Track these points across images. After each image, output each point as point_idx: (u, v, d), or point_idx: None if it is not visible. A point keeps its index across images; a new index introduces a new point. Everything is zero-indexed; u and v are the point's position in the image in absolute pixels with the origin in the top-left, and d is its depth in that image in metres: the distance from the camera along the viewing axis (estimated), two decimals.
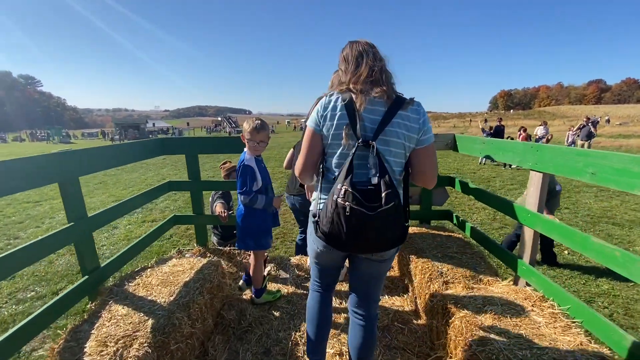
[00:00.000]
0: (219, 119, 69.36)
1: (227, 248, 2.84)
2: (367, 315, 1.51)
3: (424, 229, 2.73)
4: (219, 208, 2.87)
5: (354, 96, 1.28)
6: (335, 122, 1.28)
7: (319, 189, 1.38)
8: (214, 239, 3.40)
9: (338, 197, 1.18)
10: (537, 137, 13.39)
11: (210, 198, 3.30)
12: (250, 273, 2.28)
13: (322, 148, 1.36)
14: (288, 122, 66.78)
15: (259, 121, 2.05)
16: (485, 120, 14.04)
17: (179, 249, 2.83)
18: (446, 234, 2.61)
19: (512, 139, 12.25)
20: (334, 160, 1.32)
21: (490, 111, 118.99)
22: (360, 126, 1.25)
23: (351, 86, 1.31)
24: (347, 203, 1.15)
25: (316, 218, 1.32)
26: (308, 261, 2.74)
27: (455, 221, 2.81)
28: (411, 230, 2.69)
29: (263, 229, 2.18)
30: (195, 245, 2.84)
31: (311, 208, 1.46)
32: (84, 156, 1.90)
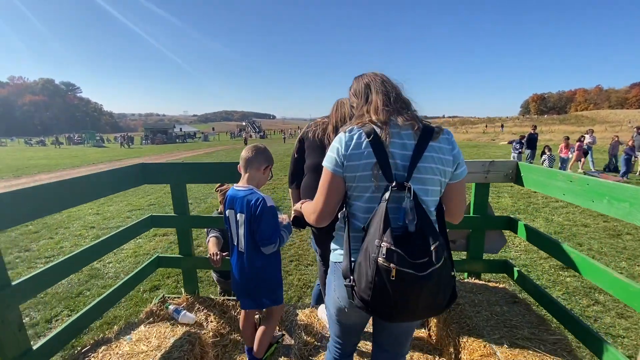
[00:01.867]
0: (244, 123, 70.38)
1: (221, 298, 2.30)
2: None
3: (472, 285, 2.06)
4: (211, 246, 2.35)
5: (378, 130, 1.11)
6: (361, 162, 1.10)
7: (345, 240, 1.16)
8: (213, 275, 2.89)
9: (378, 257, 0.99)
10: (585, 145, 12.05)
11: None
12: (258, 336, 1.82)
13: (344, 191, 1.19)
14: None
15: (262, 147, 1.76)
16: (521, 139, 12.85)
17: (163, 296, 2.32)
18: (507, 299, 1.91)
19: (549, 148, 11.10)
20: (362, 205, 1.14)
21: (523, 116, 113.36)
22: (391, 165, 1.08)
23: (373, 117, 1.14)
24: (392, 265, 0.97)
25: (350, 282, 1.09)
26: (319, 314, 2.15)
27: (516, 277, 2.12)
28: (459, 294, 2.01)
29: (280, 277, 1.81)
30: (183, 292, 2.33)
31: (335, 260, 1.25)
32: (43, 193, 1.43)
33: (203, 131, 67.86)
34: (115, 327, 1.81)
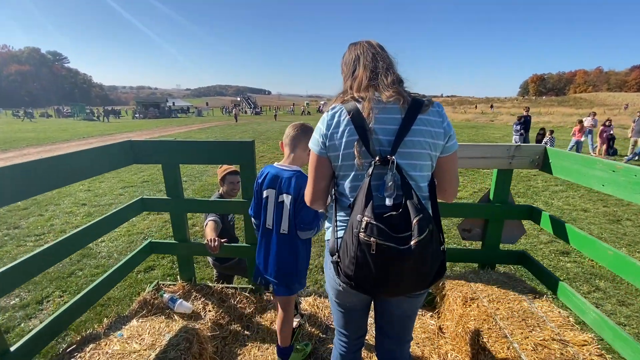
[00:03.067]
0: (238, 99, 68.67)
1: (219, 286, 2.16)
2: (401, 358, 1.36)
3: (488, 277, 1.94)
4: (208, 231, 2.18)
5: (359, 105, 1.08)
6: (343, 140, 1.09)
7: (333, 218, 1.17)
8: (209, 258, 2.74)
9: (360, 232, 0.97)
10: (586, 129, 11.87)
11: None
12: (279, 328, 1.76)
13: (332, 172, 1.18)
14: (307, 103, 65.29)
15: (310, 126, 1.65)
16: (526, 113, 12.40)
17: (157, 283, 2.18)
18: (527, 293, 1.79)
19: (550, 131, 10.93)
20: (347, 184, 1.13)
21: (522, 97, 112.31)
22: (373, 140, 1.06)
23: (355, 94, 1.11)
24: (372, 239, 0.94)
25: (335, 257, 1.08)
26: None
27: (534, 269, 2.01)
28: (474, 287, 1.89)
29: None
30: (179, 279, 2.19)
31: (328, 237, 1.24)
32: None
33: (196, 106, 66.24)
34: (105, 321, 1.67)
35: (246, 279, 3.60)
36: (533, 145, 1.84)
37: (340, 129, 1.08)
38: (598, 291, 3.88)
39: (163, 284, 2.16)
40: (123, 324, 1.59)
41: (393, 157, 1.02)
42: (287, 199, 1.60)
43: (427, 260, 0.99)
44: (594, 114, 12.69)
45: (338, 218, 1.16)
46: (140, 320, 1.60)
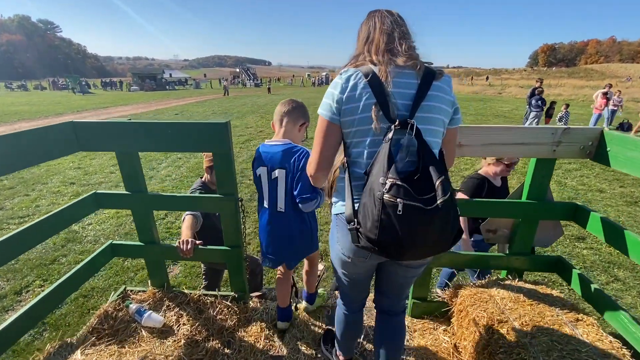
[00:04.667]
0: (237, 70, 66.38)
1: (197, 293, 1.84)
2: (396, 311, 1.42)
3: (516, 291, 1.60)
4: (184, 229, 1.84)
5: (375, 69, 1.04)
6: (360, 103, 1.04)
7: (347, 188, 1.12)
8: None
9: (384, 193, 0.93)
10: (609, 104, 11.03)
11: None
12: (305, 277, 1.95)
13: (340, 140, 1.15)
14: (308, 75, 63.07)
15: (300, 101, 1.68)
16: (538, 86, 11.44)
17: (124, 289, 1.86)
18: (567, 313, 1.44)
19: (563, 105, 10.30)
20: (365, 151, 1.08)
21: (531, 68, 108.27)
22: (391, 104, 1.02)
23: (372, 57, 1.08)
24: (398, 200, 0.92)
25: (354, 224, 1.05)
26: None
27: (574, 280, 1.65)
28: (501, 304, 1.55)
29: (316, 226, 1.76)
30: (149, 285, 1.87)
31: (337, 212, 1.21)
32: None
33: (194, 78, 64.32)
34: (49, 347, 1.36)
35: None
36: (585, 129, 1.43)
37: (357, 92, 1.05)
38: (617, 281, 3.59)
39: (131, 291, 1.85)
40: (68, 352, 1.28)
41: (413, 120, 1.00)
42: (280, 173, 1.54)
43: (449, 220, 0.98)
44: (610, 85, 11.88)
45: (353, 185, 1.11)
46: (86, 353, 1.29)
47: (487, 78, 50.73)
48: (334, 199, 1.27)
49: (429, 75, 1.05)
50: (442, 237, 0.99)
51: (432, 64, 1.10)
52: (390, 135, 0.99)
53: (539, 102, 10.65)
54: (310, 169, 1.19)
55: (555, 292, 1.56)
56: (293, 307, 1.95)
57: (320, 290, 2.06)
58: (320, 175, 1.18)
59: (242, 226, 1.69)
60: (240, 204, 1.63)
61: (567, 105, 9.96)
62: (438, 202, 0.93)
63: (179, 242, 1.71)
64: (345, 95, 1.06)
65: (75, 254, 4.20)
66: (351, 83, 1.06)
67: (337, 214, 1.21)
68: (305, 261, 1.89)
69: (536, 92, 11.11)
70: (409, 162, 1.01)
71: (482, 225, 1.74)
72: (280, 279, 1.82)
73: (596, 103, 10.42)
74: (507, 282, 1.67)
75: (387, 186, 0.94)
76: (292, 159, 1.51)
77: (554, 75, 57.82)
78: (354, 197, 1.10)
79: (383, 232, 0.95)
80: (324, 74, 59.55)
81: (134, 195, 1.60)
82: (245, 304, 1.83)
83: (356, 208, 1.06)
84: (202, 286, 2.51)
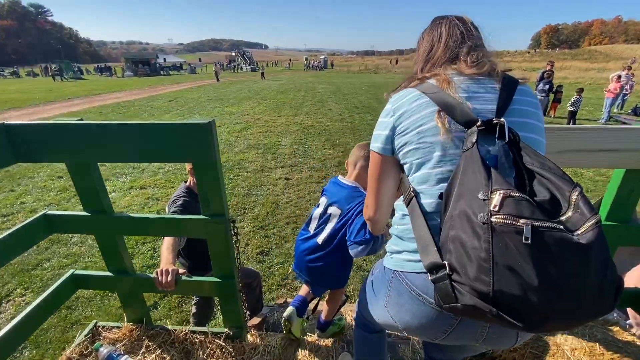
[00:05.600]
0: (233, 54, 64.69)
1: (183, 329, 1.51)
2: None
3: (581, 331, 1.26)
4: (164, 252, 1.49)
5: (435, 81, 0.82)
6: (418, 115, 0.80)
7: (416, 226, 0.80)
8: (181, 260, 2.10)
9: (492, 214, 0.60)
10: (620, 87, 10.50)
11: (167, 206, 1.93)
12: (325, 304, 1.85)
13: (399, 176, 0.93)
14: (306, 58, 61.56)
15: None
16: (547, 70, 10.67)
17: (95, 325, 1.52)
18: None
19: (575, 90, 9.83)
20: (432, 172, 0.79)
21: (534, 50, 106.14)
22: (464, 107, 0.75)
23: (427, 74, 0.86)
24: (521, 221, 0.58)
25: (444, 271, 0.68)
26: None
27: None
28: (562, 341, 1.20)
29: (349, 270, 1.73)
30: (125, 321, 1.53)
31: (396, 266, 0.88)
32: None
33: (190, 62, 62.76)
34: None
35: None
36: None
37: (412, 106, 0.82)
38: None
39: (103, 327, 1.51)
40: None
41: (502, 120, 0.72)
42: (335, 211, 1.52)
43: (609, 258, 0.61)
44: (629, 67, 11.33)
45: (429, 224, 0.79)
46: None
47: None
48: (389, 248, 0.96)
49: (511, 79, 0.82)
50: (602, 288, 0.60)
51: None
52: (474, 137, 0.71)
53: (546, 86, 10.13)
54: (368, 211, 0.99)
55: (628, 336, 1.23)
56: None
57: (336, 319, 1.89)
58: (378, 218, 0.98)
59: (236, 252, 1.34)
60: (232, 226, 1.27)
61: (581, 90, 9.47)
62: (588, 225, 0.58)
63: (156, 273, 1.36)
64: (396, 115, 0.85)
65: (59, 257, 3.87)
66: (400, 102, 0.85)
67: (396, 271, 0.87)
68: (329, 290, 1.82)
69: (545, 75, 10.60)
70: (509, 180, 0.68)
71: None
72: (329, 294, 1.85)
73: (610, 86, 9.94)
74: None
75: (496, 202, 0.61)
76: (351, 204, 1.46)
77: (557, 57, 56.48)
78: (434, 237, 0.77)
79: (500, 279, 0.60)
80: (322, 57, 58.06)
81: (95, 218, 1.23)
82: (241, 342, 1.50)
83: (440, 248, 0.72)
84: (191, 313, 2.19)
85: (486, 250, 0.60)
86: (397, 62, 56.39)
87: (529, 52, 75.98)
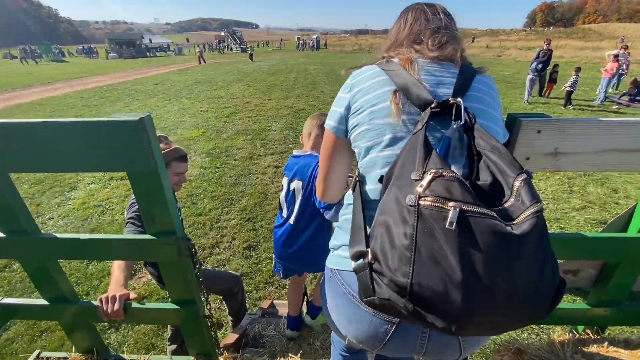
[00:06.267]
0: (222, 33, 62.38)
1: (142, 359, 1.28)
2: None
3: (609, 356, 1.08)
4: (115, 273, 1.26)
5: (397, 60, 0.78)
6: (373, 94, 0.76)
7: (354, 215, 0.75)
8: (149, 268, 1.87)
9: (420, 196, 0.55)
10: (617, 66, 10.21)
11: (126, 210, 1.68)
12: (314, 287, 1.92)
13: (351, 156, 0.88)
14: (298, 37, 59.61)
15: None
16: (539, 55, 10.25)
17: (37, 356, 1.30)
18: None
19: (574, 69, 9.57)
20: (380, 156, 0.75)
21: (529, 28, 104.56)
22: (421, 88, 0.70)
23: (386, 53, 0.84)
24: (450, 204, 0.53)
25: (367, 258, 0.62)
26: None
27: None
28: None
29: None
30: (73, 350, 1.30)
31: (334, 264, 0.84)
32: None
33: (177, 43, 60.45)
34: None
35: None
36: None
37: (368, 84, 0.78)
38: None
39: (46, 358, 1.28)
40: None
41: (459, 100, 0.66)
42: (297, 185, 1.52)
43: (549, 250, 0.55)
44: (626, 47, 11.04)
45: (366, 214, 0.73)
46: None
47: (473, 40, 48.53)
48: (330, 246, 0.91)
49: (469, 68, 0.77)
50: (537, 290, 0.54)
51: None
52: (425, 119, 0.66)
53: (539, 65, 9.79)
54: (318, 193, 0.97)
55: None
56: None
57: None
58: (327, 201, 0.98)
59: (196, 274, 1.11)
60: (187, 244, 1.03)
61: (579, 70, 9.20)
62: (526, 214, 0.54)
63: (100, 300, 1.12)
64: (353, 91, 0.81)
65: None
66: (358, 78, 0.82)
67: (333, 270, 0.83)
68: (319, 273, 1.85)
69: (540, 54, 10.30)
70: (460, 164, 0.66)
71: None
72: (291, 285, 1.81)
73: (607, 66, 9.68)
74: (591, 342, 1.14)
75: (425, 182, 0.56)
76: (309, 170, 1.45)
77: (552, 36, 55.68)
78: (367, 219, 0.73)
79: (420, 271, 0.54)
80: (315, 36, 56.34)
81: (14, 241, 0.98)
82: None
83: (368, 235, 0.67)
84: (167, 335, 1.96)
85: (410, 236, 0.55)
86: None
87: (524, 31, 74.90)
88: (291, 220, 1.55)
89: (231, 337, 1.67)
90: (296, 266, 1.67)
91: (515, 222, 0.54)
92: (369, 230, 0.68)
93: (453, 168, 0.62)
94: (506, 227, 0.52)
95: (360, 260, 0.64)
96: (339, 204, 1.13)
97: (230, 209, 4.32)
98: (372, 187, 0.76)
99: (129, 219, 1.60)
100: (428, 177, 0.56)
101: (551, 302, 0.56)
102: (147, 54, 42.39)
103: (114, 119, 0.80)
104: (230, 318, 2.35)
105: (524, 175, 0.58)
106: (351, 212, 0.78)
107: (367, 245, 0.64)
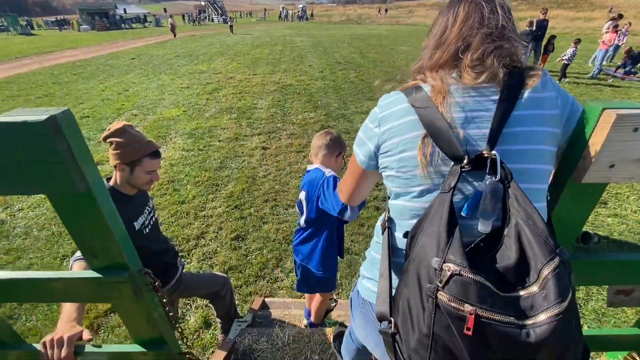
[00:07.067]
0: (203, 3, 58.83)
1: None
2: None
3: None
4: (62, 314, 1.01)
5: (426, 88, 0.71)
6: (403, 137, 0.71)
7: (382, 260, 0.78)
8: None
9: (438, 290, 0.56)
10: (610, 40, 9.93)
11: None
12: (313, 307, 2.01)
13: (377, 178, 0.87)
14: (283, 7, 56.65)
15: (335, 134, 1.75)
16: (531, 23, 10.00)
17: None
18: None
19: (573, 40, 9.28)
20: (408, 205, 0.73)
21: None
22: (453, 136, 0.65)
23: (427, 73, 0.74)
24: (466, 307, 0.53)
25: (389, 326, 0.68)
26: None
27: None
28: None
29: (335, 264, 1.90)
30: None
31: (364, 293, 0.90)
32: None
33: (154, 13, 56.83)
34: None
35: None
36: None
37: (397, 123, 0.72)
38: None
39: None
40: None
41: (494, 152, 0.62)
42: (303, 195, 1.69)
43: (571, 346, 0.53)
44: (620, 16, 10.73)
45: (393, 261, 0.77)
46: None
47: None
48: (362, 271, 0.95)
49: (513, 84, 0.65)
50: None
51: (522, 64, 0.68)
52: (452, 180, 0.62)
53: (529, 37, 9.44)
54: (342, 197, 1.01)
55: None
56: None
57: (328, 322, 2.09)
58: (350, 204, 1.12)
59: (163, 310, 0.87)
60: (149, 278, 0.79)
61: (578, 41, 8.88)
62: (547, 315, 0.50)
63: (43, 344, 0.88)
64: (382, 129, 0.75)
65: None
66: (389, 110, 0.74)
67: (365, 300, 0.88)
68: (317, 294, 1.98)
69: (536, 22, 9.93)
70: (489, 220, 0.61)
71: (610, 287, 1.00)
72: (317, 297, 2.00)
73: (605, 37, 9.41)
74: None
75: (443, 278, 0.55)
76: (313, 184, 1.61)
77: (542, 6, 54.64)
78: (392, 278, 0.74)
79: (438, 358, 0.56)
80: (301, 6, 53.71)
81: None
82: None
83: (393, 297, 0.70)
84: None
85: (428, 326, 0.58)
86: (386, 12, 53.13)
87: (515, 1, 73.25)
88: (302, 223, 1.76)
89: (218, 355, 1.46)
90: (305, 283, 1.87)
91: (531, 321, 0.52)
92: (394, 279, 0.74)
93: (481, 225, 0.63)
94: (521, 335, 0.52)
95: (385, 324, 0.68)
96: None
97: (216, 196, 4.05)
98: (400, 236, 0.76)
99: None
100: (446, 272, 0.56)
101: None
102: (123, 25, 39.78)
103: (11, 119, 0.52)
104: (218, 320, 2.17)
105: (555, 262, 0.53)
106: (380, 252, 0.81)
107: (391, 312, 0.69)
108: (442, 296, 0.55)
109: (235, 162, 4.84)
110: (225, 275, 2.10)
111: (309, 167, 1.72)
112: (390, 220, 0.80)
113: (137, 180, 1.45)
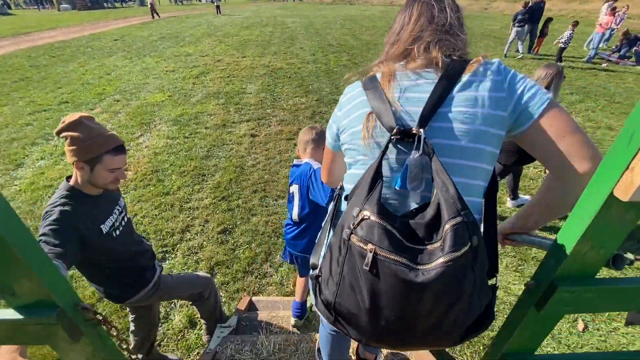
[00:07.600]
0: None
1: None
2: None
3: None
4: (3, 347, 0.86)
5: (380, 76, 0.81)
6: (353, 115, 0.82)
7: (325, 222, 0.93)
8: (94, 286, 1.50)
9: (352, 233, 0.64)
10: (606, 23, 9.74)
11: (41, 221, 1.25)
12: (297, 283, 2.07)
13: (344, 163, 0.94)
14: None
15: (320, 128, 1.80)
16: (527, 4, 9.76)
17: None
18: None
19: (570, 23, 9.08)
20: (355, 172, 0.84)
21: None
22: (391, 112, 0.73)
23: (383, 64, 0.84)
24: (369, 246, 0.61)
25: (316, 271, 0.78)
26: None
27: None
28: None
29: None
30: None
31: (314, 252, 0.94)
32: None
33: None
34: None
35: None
36: None
37: (351, 105, 0.84)
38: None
39: None
40: None
41: (420, 129, 0.69)
42: (295, 188, 1.73)
43: (463, 295, 0.59)
44: (627, 6, 10.43)
45: (334, 222, 0.90)
46: None
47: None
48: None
49: (454, 70, 0.73)
50: (441, 324, 0.60)
51: (467, 57, 0.80)
52: (382, 148, 0.72)
53: (525, 15, 9.19)
54: (323, 178, 1.14)
55: None
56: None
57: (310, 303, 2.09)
58: (330, 184, 1.13)
59: (125, 347, 0.73)
60: (89, 314, 0.64)
61: (576, 24, 8.68)
62: (437, 262, 0.57)
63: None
64: (341, 111, 0.87)
65: None
66: (347, 96, 0.87)
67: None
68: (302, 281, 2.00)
69: (532, 3, 9.67)
70: (417, 191, 0.71)
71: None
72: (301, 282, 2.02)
73: (602, 19, 9.21)
74: None
75: (356, 221, 0.64)
76: (305, 176, 1.66)
77: None
78: (330, 230, 0.90)
79: (342, 293, 0.66)
80: None
81: None
82: None
83: (324, 249, 0.84)
84: (130, 330, 1.70)
85: (340, 264, 0.66)
86: None
87: None
88: (294, 218, 1.78)
89: None
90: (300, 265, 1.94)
91: (423, 267, 0.58)
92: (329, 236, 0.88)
93: (411, 196, 0.74)
94: (409, 274, 0.58)
95: (315, 271, 0.78)
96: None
97: (202, 187, 3.87)
98: (344, 201, 0.86)
99: (41, 235, 1.18)
100: (362, 215, 0.63)
101: (462, 335, 0.64)
102: (105, 4, 38.02)
103: None
104: (203, 321, 2.05)
105: (455, 220, 0.59)
106: (329, 220, 0.91)
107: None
108: (353, 238, 0.63)
109: (222, 151, 4.64)
110: (209, 275, 1.97)
111: (297, 161, 1.77)
112: (341, 187, 0.92)
113: (99, 179, 1.29)
